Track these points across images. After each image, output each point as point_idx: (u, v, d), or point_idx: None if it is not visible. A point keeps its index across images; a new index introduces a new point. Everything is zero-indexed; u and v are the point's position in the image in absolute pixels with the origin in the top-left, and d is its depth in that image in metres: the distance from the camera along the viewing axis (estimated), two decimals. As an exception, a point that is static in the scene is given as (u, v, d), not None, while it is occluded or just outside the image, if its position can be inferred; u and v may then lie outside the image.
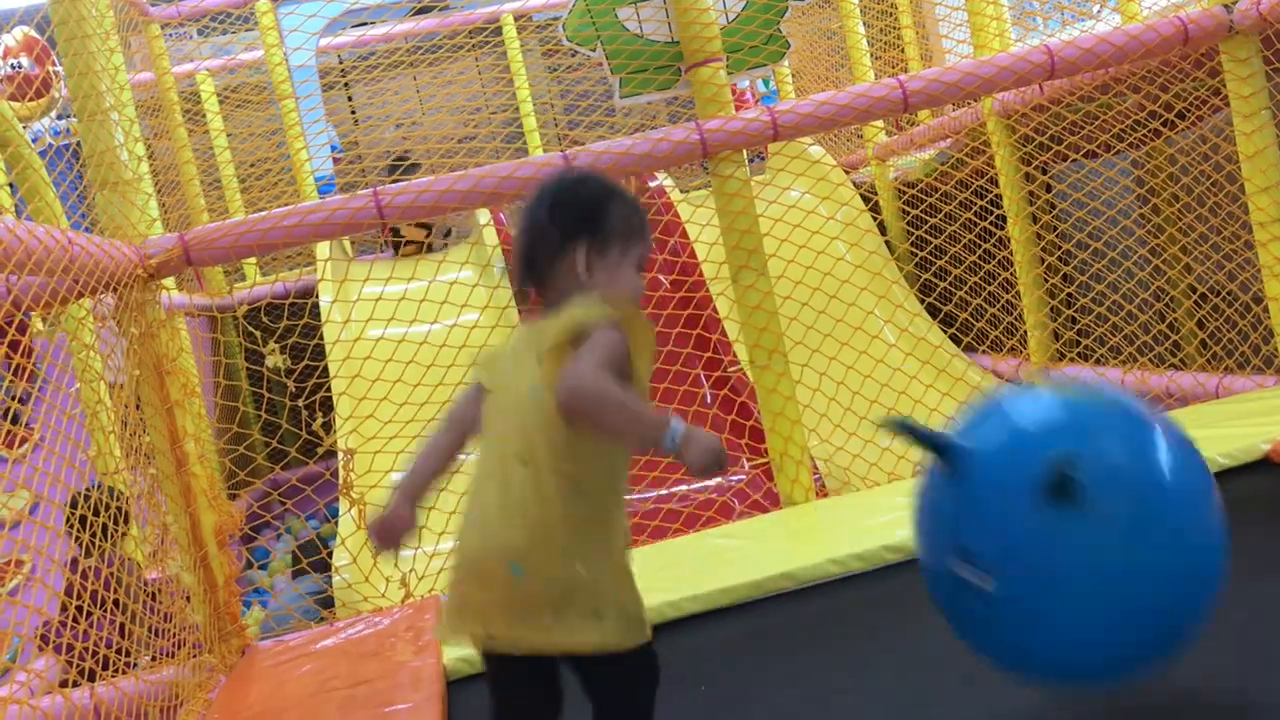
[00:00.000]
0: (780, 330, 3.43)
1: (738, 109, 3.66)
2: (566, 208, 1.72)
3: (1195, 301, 4.59)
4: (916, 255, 5.45)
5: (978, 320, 4.99)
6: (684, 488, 3.93)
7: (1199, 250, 4.51)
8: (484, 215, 5.58)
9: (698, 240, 4.94)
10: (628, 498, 1.75)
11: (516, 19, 7.16)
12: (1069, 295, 4.83)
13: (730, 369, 4.27)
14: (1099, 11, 5.50)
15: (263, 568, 4.86)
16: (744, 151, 3.47)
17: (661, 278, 4.89)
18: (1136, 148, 4.51)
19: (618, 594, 1.64)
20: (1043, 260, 4.70)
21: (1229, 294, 4.09)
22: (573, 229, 1.70)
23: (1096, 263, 4.52)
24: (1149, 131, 4.19)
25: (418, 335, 3.87)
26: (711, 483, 4.01)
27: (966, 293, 5.04)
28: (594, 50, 3.46)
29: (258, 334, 4.88)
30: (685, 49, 3.41)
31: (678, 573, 2.91)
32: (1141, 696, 1.81)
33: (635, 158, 3.30)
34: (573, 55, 3.64)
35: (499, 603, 1.61)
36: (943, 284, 4.92)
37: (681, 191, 5.86)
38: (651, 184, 5.63)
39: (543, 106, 7.45)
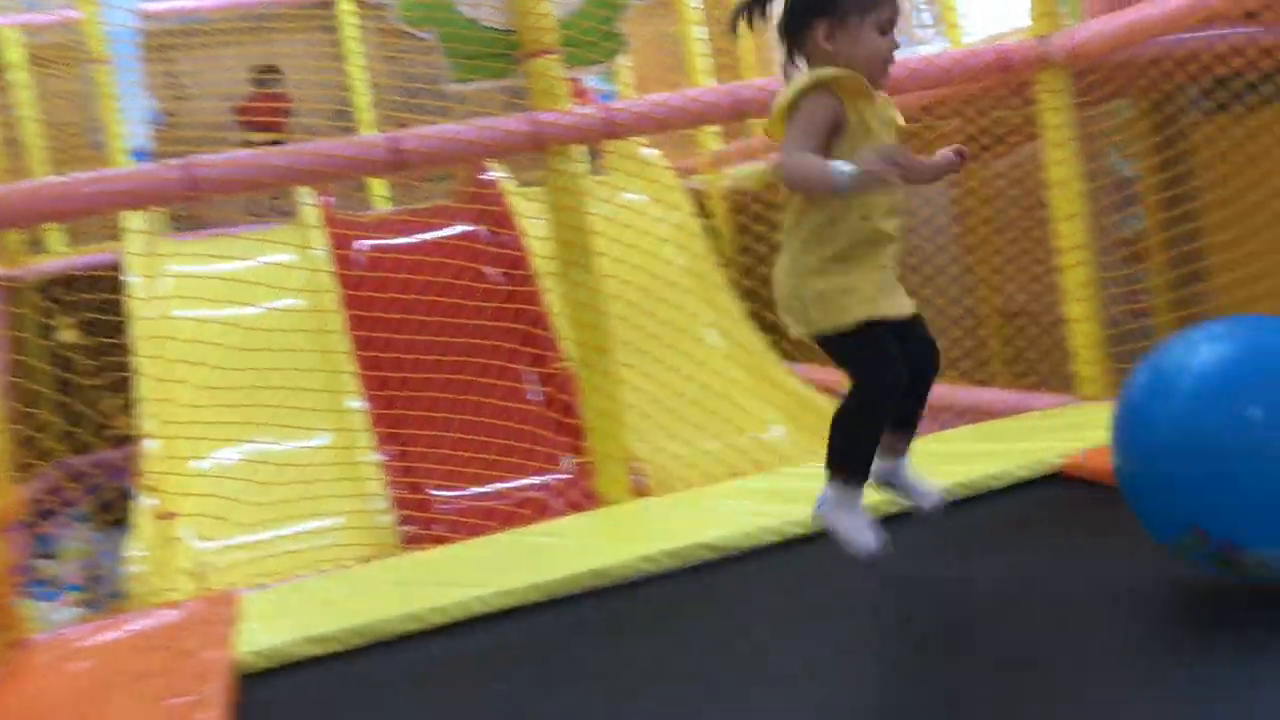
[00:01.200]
0: (607, 329, 3.41)
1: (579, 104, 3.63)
2: None
3: (1003, 321, 4.79)
4: (745, 263, 5.53)
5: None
6: (502, 485, 3.88)
7: (1005, 270, 4.72)
8: (308, 195, 5.38)
9: (531, 235, 4.89)
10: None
11: (351, -4, 6.96)
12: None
13: (555, 365, 4.24)
14: (930, 35, 5.70)
15: (50, 557, 4.57)
16: (580, 148, 3.44)
17: (490, 270, 4.81)
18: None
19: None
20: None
21: (1033, 315, 4.28)
22: (813, 8, 2.05)
23: (912, 278, 4.67)
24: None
25: (232, 318, 3.70)
26: (531, 480, 3.96)
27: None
28: (427, 32, 3.38)
29: (54, 308, 4.59)
30: (521, 38, 3.36)
31: (490, 568, 2.85)
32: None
33: (463, 144, 3.23)
34: (409, 38, 3.57)
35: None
36: (767, 292, 4.99)
37: (519, 185, 5.80)
38: (486, 176, 5.55)
39: (377, 88, 7.26)
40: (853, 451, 2.21)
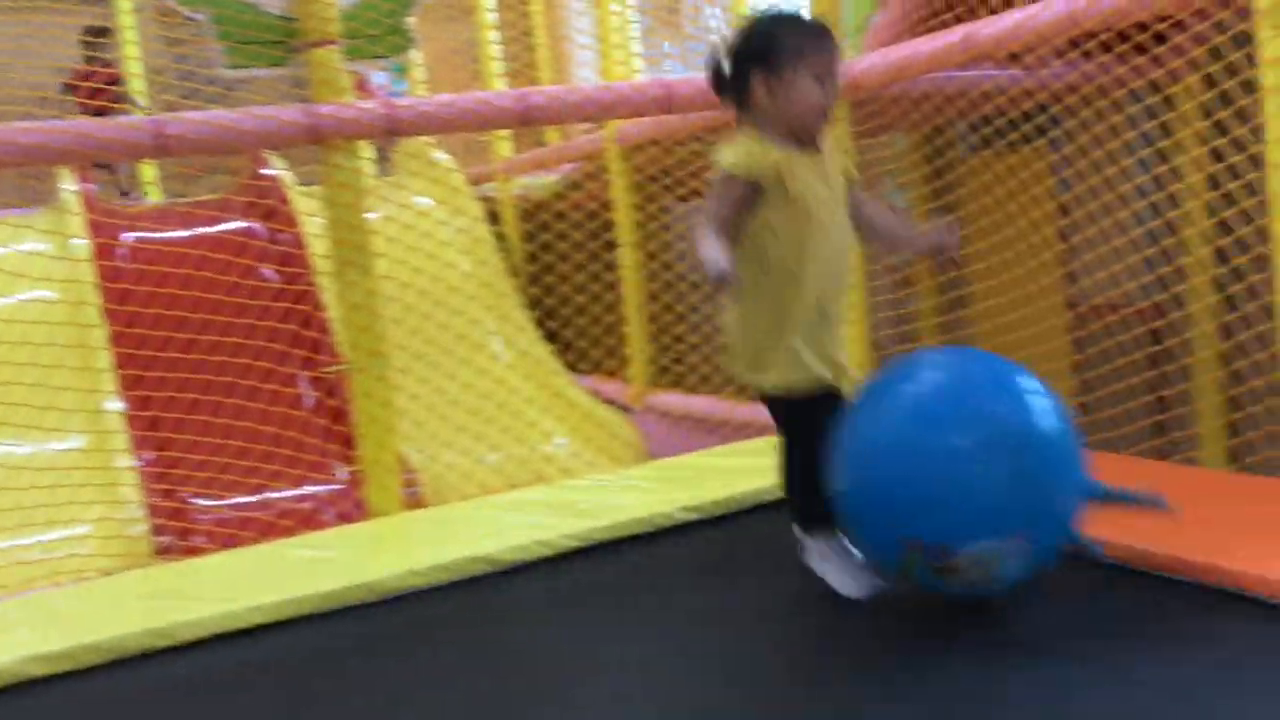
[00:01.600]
0: (381, 332, 3.30)
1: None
2: (739, 48, 2.09)
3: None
4: (533, 272, 5.50)
5: (584, 342, 5.09)
6: (264, 495, 3.69)
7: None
8: (70, 181, 5.02)
9: (313, 235, 4.70)
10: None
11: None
12: (673, 324, 5.04)
13: (326, 370, 4.08)
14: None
15: None
16: (363, 144, 3.33)
17: (266, 269, 4.60)
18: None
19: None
20: (652, 292, 4.88)
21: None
22: (747, 64, 2.06)
23: (693, 295, 4.74)
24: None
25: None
26: (300, 489, 3.79)
27: (576, 315, 5.13)
28: (199, 13, 3.19)
29: None
30: (301, 26, 3.22)
31: (246, 582, 2.70)
32: None
33: (238, 133, 3.07)
34: (184, 19, 3.36)
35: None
36: (552, 302, 4.98)
37: (302, 184, 5.58)
38: (266, 171, 5.31)
39: (154, 70, 6.86)
40: (803, 505, 2.22)
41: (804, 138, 2.05)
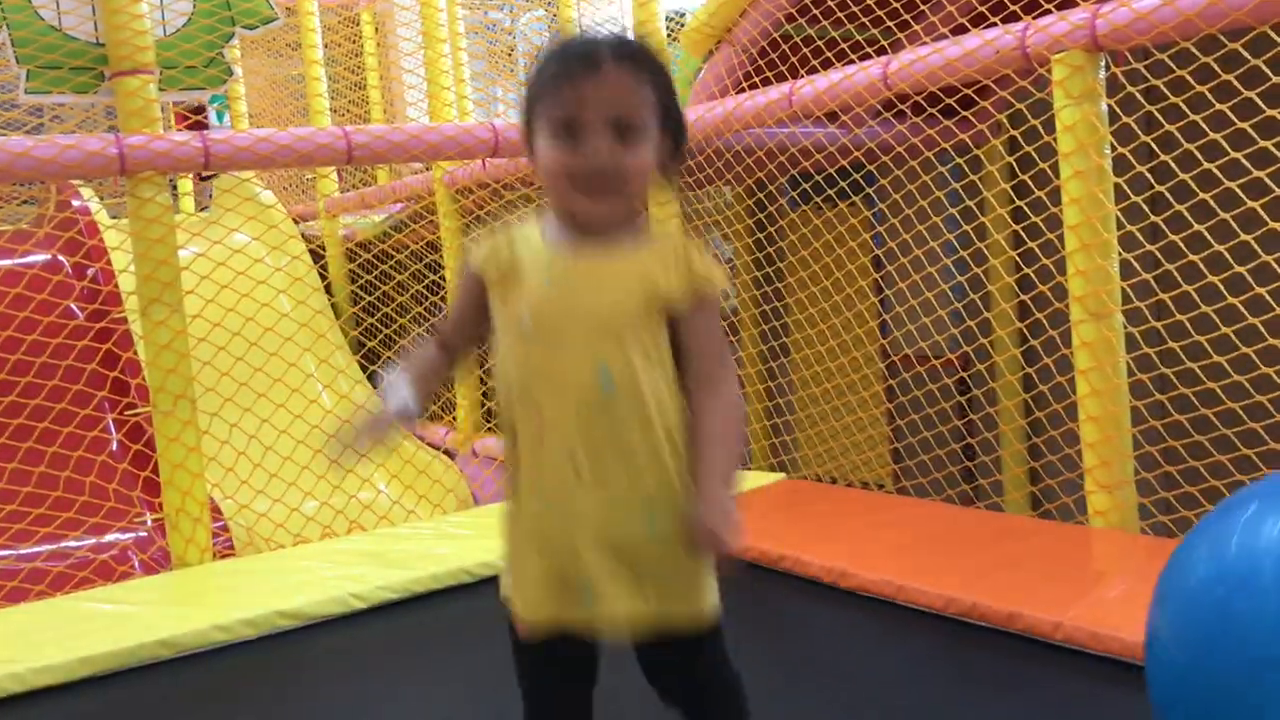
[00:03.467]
0: (190, 374, 3.15)
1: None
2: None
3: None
4: (358, 314, 5.37)
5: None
6: (58, 545, 3.46)
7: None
8: None
9: (125, 271, 4.47)
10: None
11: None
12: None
13: (129, 412, 3.86)
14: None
15: None
16: (170, 178, 3.19)
17: (70, 303, 4.34)
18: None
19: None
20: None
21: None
22: (523, 119, 1.44)
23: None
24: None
25: None
26: (96, 539, 3.57)
27: (401, 357, 5.03)
28: (-2, 33, 3.02)
29: None
30: (111, 54, 3.07)
31: (30, 641, 2.51)
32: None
33: (36, 161, 2.90)
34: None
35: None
36: (376, 344, 4.87)
37: (112, 216, 5.31)
38: (75, 202, 5.04)
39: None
40: None
41: (575, 222, 1.41)
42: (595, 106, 1.34)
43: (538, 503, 1.38)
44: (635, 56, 1.38)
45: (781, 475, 3.53)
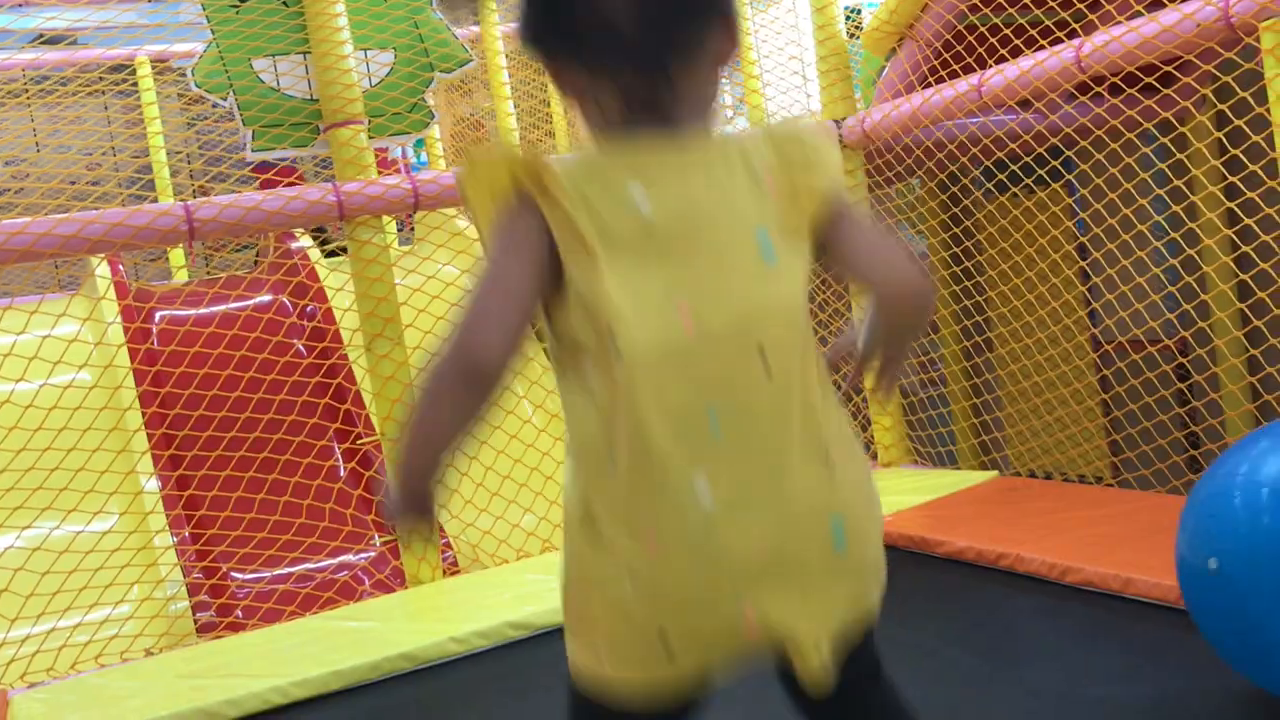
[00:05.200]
0: (413, 402, 3.34)
1: (387, 173, 3.58)
2: None
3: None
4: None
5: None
6: (303, 567, 3.71)
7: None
8: (98, 264, 5.11)
9: (339, 307, 4.76)
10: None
11: (153, 62, 6.72)
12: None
13: (360, 440, 4.11)
14: (734, 118, 5.88)
15: None
16: (385, 218, 3.39)
17: (297, 343, 4.66)
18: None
19: None
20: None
21: (834, 385, 4.41)
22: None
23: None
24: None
25: (4, 394, 3.44)
26: (337, 560, 3.82)
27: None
28: (225, 99, 3.28)
29: None
30: (324, 108, 3.30)
31: (288, 657, 2.72)
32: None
33: (265, 214, 3.14)
34: (213, 106, 3.46)
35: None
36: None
37: (327, 257, 5.65)
38: (294, 245, 5.40)
39: (179, 156, 7.01)
40: None
41: None
42: None
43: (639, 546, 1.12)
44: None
45: (994, 473, 3.46)
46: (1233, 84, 2.98)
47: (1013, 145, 3.61)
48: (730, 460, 1.09)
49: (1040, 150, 3.69)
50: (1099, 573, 2.40)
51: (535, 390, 4.97)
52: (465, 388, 1.12)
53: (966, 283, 4.23)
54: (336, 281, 4.66)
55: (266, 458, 3.67)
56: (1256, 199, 2.95)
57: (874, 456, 3.92)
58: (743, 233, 1.12)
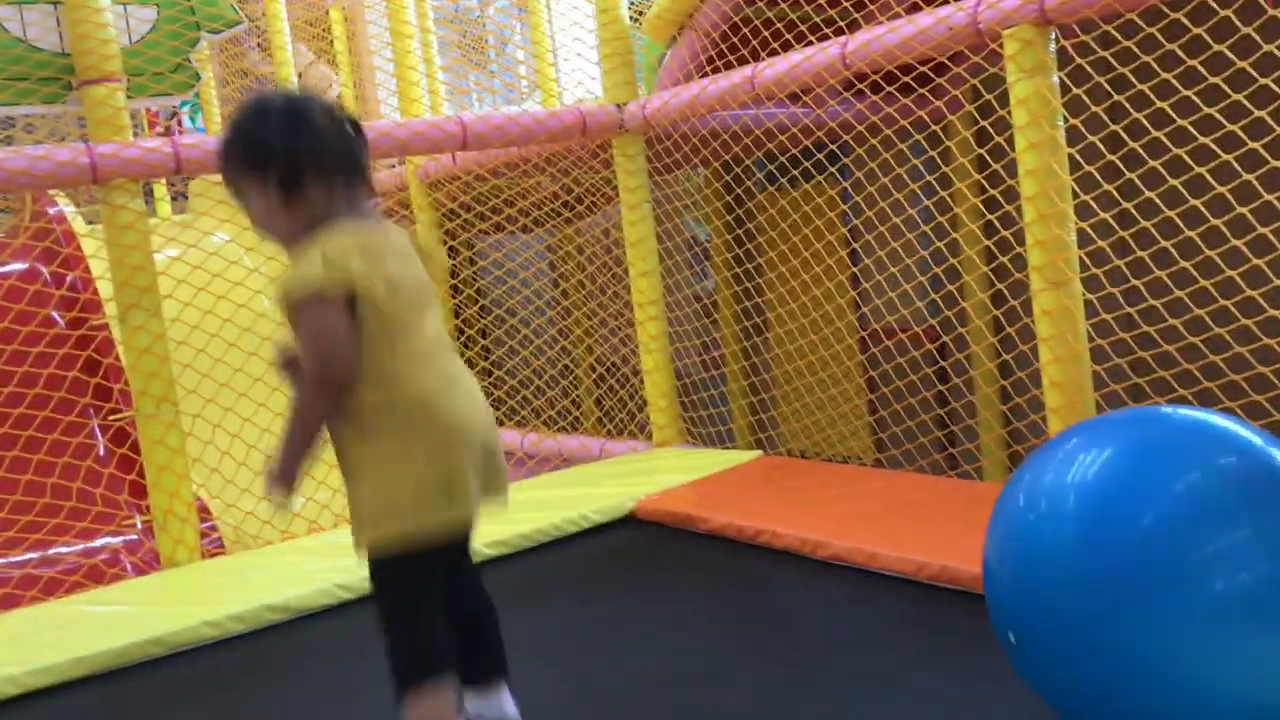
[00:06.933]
0: (171, 377, 3.19)
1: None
2: None
3: (595, 374, 4.99)
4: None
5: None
6: (57, 550, 3.50)
7: (590, 325, 4.92)
8: None
9: (103, 277, 4.49)
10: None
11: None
12: (481, 359, 5.03)
13: (113, 416, 3.90)
14: (526, 98, 5.86)
15: None
16: (142, 183, 3.23)
17: (48, 312, 4.37)
18: (544, 227, 4.84)
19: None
20: (459, 327, 4.87)
21: (614, 366, 4.49)
22: None
23: (500, 329, 4.76)
24: (553, 213, 4.52)
25: None
26: (86, 544, 3.61)
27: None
28: (-38, 47, 3.04)
29: None
30: (78, 64, 3.10)
31: (26, 643, 2.56)
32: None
33: (8, 173, 2.94)
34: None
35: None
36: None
37: (88, 222, 5.33)
38: (51, 210, 5.06)
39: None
40: None
41: None
42: None
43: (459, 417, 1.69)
44: (220, 151, 1.74)
45: (759, 452, 3.59)
46: (980, 87, 3.18)
47: (781, 138, 3.74)
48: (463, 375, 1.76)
49: (806, 143, 3.84)
50: (846, 547, 2.52)
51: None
52: (330, 394, 1.63)
53: (740, 268, 4.36)
54: (93, 247, 4.40)
55: (6, 433, 3.44)
56: (998, 196, 3.15)
57: (649, 436, 4.00)
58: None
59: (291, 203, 1.68)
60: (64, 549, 3.59)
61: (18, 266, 4.63)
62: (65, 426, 3.66)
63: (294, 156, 1.67)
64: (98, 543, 3.69)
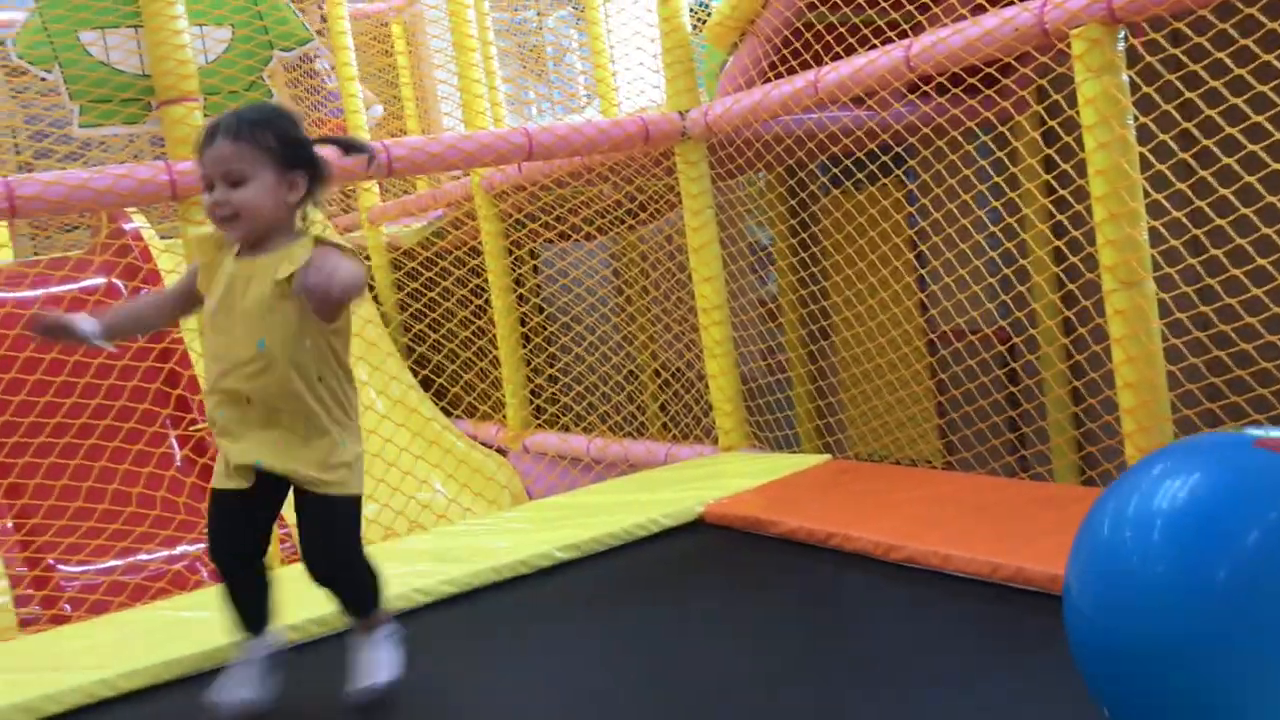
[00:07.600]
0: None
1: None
2: None
3: (659, 380, 5.02)
4: (406, 321, 5.49)
5: (458, 387, 5.10)
6: (133, 558, 3.60)
7: (654, 330, 4.94)
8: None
9: (174, 290, 4.61)
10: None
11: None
12: (547, 366, 5.09)
13: (192, 428, 4.01)
14: (585, 107, 5.92)
15: None
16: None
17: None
18: (607, 234, 4.88)
19: None
20: (525, 335, 4.93)
21: (678, 371, 4.51)
22: None
23: (565, 336, 4.80)
24: (617, 220, 4.55)
25: None
26: (167, 551, 3.71)
27: (449, 360, 5.15)
28: (50, 72, 3.15)
29: None
30: (157, 84, 3.20)
31: (117, 648, 2.64)
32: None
33: (93, 193, 3.03)
34: (40, 79, 3.29)
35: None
36: (425, 348, 4.97)
37: (163, 238, 5.47)
38: (127, 226, 5.21)
39: (2, 129, 6.67)
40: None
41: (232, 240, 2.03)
42: (211, 166, 1.95)
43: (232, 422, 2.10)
44: (239, 126, 1.94)
45: (828, 456, 3.59)
46: (1047, 87, 3.16)
47: (846, 141, 3.74)
48: None
49: (872, 146, 3.84)
50: (920, 549, 2.52)
51: (377, 375, 4.91)
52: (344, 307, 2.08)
53: (804, 272, 4.36)
54: (170, 263, 4.52)
55: (94, 445, 3.55)
56: (1067, 196, 3.13)
57: (714, 441, 4.02)
58: None
59: (297, 205, 2.00)
60: (147, 556, 3.69)
61: (99, 281, 4.77)
62: (147, 438, 3.77)
63: (323, 173, 2.02)
64: (179, 550, 3.80)
